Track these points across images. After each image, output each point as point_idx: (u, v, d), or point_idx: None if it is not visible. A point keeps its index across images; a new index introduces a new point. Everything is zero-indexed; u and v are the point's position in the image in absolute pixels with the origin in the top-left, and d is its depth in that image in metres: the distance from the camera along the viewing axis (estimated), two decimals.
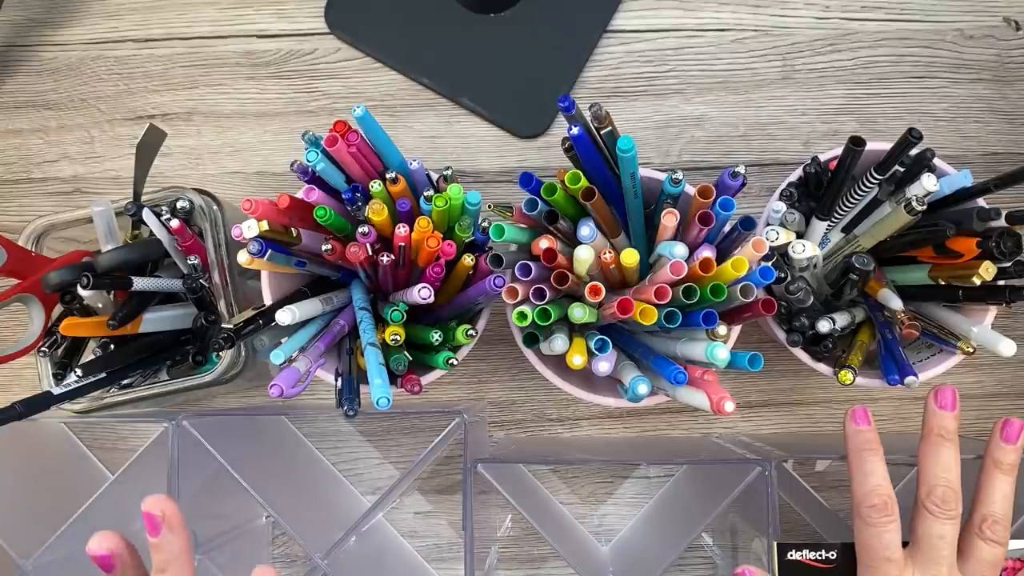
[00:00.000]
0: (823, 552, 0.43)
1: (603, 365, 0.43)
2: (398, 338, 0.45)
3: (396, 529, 0.63)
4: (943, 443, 0.42)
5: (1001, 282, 0.48)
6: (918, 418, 0.61)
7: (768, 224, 0.49)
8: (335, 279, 0.51)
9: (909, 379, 0.48)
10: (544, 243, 0.43)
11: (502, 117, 0.62)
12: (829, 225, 0.51)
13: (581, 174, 0.42)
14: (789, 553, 0.44)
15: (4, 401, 0.46)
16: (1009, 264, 0.46)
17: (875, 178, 0.48)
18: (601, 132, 0.42)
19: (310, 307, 0.46)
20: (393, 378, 0.45)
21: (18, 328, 0.62)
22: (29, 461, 0.59)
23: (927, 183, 0.45)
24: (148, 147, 0.50)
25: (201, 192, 0.52)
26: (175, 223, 0.49)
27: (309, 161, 0.44)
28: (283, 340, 0.45)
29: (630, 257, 0.41)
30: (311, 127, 0.55)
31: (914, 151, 0.47)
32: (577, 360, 0.42)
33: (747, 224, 0.43)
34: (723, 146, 0.62)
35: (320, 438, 0.63)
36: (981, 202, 0.49)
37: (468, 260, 0.46)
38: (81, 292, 0.50)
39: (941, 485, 0.41)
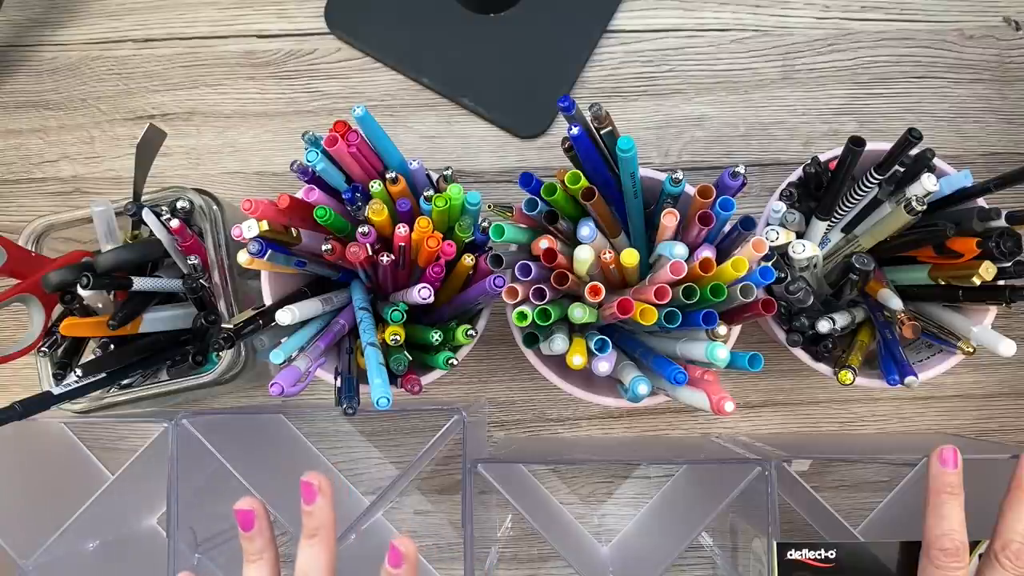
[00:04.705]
0: (823, 552, 0.43)
1: (603, 365, 0.43)
2: (398, 338, 0.45)
3: (396, 528, 0.63)
4: (950, 498, 0.42)
5: (1001, 282, 0.48)
6: (918, 418, 0.62)
7: (768, 224, 0.49)
8: (335, 279, 0.51)
9: (909, 379, 0.48)
10: (544, 243, 0.43)
11: (502, 117, 0.62)
12: (829, 225, 0.51)
13: (581, 174, 0.42)
14: (789, 553, 0.44)
15: (4, 401, 0.46)
16: (1009, 264, 0.46)
17: (875, 178, 0.48)
18: (601, 132, 0.42)
19: (310, 307, 0.46)
20: (393, 378, 0.45)
21: (18, 328, 0.62)
22: (29, 461, 0.59)
23: (927, 183, 0.45)
24: (148, 147, 0.50)
25: (201, 192, 0.52)
26: (175, 223, 0.49)
27: (309, 161, 0.44)
28: (283, 340, 0.45)
29: (630, 257, 0.41)
30: (311, 127, 0.55)
31: (914, 151, 0.47)
32: (577, 360, 0.42)
33: (747, 224, 0.43)
34: (723, 146, 0.62)
35: (320, 438, 0.63)
36: (981, 202, 0.49)
37: (468, 260, 0.46)
38: (81, 292, 0.50)
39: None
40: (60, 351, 0.53)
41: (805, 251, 0.48)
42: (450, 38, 0.62)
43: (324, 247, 0.43)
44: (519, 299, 0.42)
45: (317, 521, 0.39)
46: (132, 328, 0.50)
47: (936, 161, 0.48)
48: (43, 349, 0.52)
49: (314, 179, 0.45)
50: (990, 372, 0.61)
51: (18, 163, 0.63)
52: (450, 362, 0.47)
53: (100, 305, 0.52)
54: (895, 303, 0.48)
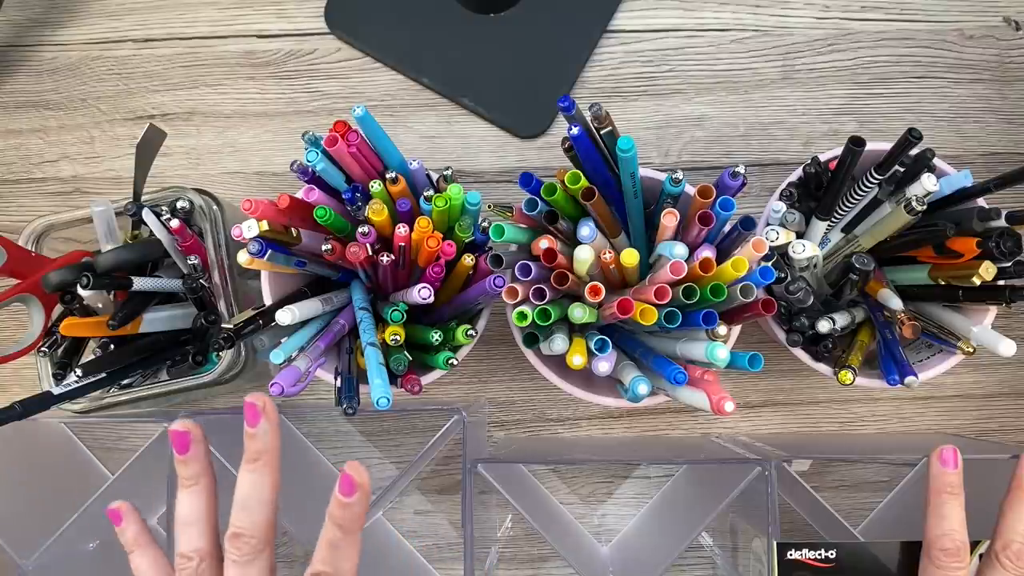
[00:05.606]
0: (823, 552, 0.43)
1: (603, 365, 0.43)
2: (398, 338, 0.45)
3: (396, 528, 0.63)
4: (950, 498, 0.42)
5: (1001, 282, 0.48)
6: (918, 418, 0.62)
7: (768, 224, 0.49)
8: (335, 279, 0.51)
9: (909, 379, 0.48)
10: (544, 243, 0.43)
11: (502, 117, 0.62)
12: (829, 225, 0.51)
13: (581, 174, 0.42)
14: (789, 553, 0.44)
15: (4, 401, 0.46)
16: (1009, 264, 0.46)
17: (875, 178, 0.48)
18: (601, 132, 0.42)
19: (310, 307, 0.46)
20: (393, 378, 0.45)
21: (18, 328, 0.62)
22: (29, 461, 0.59)
23: (927, 183, 0.45)
24: (148, 147, 0.50)
25: (201, 192, 0.52)
26: (175, 223, 0.49)
27: (309, 161, 0.44)
28: (283, 340, 0.45)
29: (630, 257, 0.41)
30: (311, 127, 0.55)
31: (914, 151, 0.47)
32: (577, 360, 0.42)
33: (747, 224, 0.43)
34: (723, 146, 0.62)
35: (320, 438, 0.63)
36: (981, 202, 0.49)
37: (468, 260, 0.46)
38: (81, 292, 0.50)
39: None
40: (60, 351, 0.53)
41: (805, 251, 0.48)
42: (450, 38, 0.62)
43: (324, 247, 0.43)
44: (519, 299, 0.42)
45: (260, 444, 0.36)
46: (132, 328, 0.50)
47: (936, 161, 0.48)
48: (43, 349, 0.52)
49: (314, 179, 0.45)
50: (990, 372, 0.61)
51: (18, 163, 0.63)
52: (450, 362, 0.47)
53: (100, 305, 0.52)
54: (895, 303, 0.48)
